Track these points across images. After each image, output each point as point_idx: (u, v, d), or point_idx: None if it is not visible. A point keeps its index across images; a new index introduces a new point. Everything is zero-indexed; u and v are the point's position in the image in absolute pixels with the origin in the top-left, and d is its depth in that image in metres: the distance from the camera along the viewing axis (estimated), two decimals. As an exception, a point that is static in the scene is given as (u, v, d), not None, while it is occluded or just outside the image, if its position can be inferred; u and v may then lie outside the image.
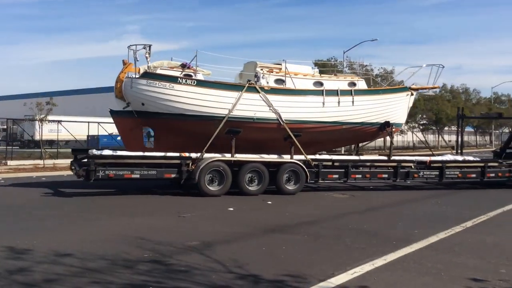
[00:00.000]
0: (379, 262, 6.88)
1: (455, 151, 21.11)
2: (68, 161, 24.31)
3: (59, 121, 28.81)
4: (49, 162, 23.35)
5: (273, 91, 14.92)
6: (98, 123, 31.42)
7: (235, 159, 13.89)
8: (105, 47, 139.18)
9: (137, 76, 13.81)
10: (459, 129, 22.42)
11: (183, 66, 14.55)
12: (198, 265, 6.42)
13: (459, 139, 21.84)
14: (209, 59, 14.05)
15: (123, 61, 14.36)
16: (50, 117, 25.02)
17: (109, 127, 33.81)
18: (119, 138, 35.58)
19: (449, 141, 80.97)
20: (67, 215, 10.51)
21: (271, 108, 14.69)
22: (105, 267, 6.30)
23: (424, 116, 58.26)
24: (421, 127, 62.10)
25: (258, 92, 14.58)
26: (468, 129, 78.40)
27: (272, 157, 14.60)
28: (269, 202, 12.72)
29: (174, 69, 14.56)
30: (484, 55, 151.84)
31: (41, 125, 24.87)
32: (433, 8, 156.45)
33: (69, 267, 6.23)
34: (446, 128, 69.04)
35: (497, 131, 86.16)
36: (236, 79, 16.19)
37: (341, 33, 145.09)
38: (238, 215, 10.77)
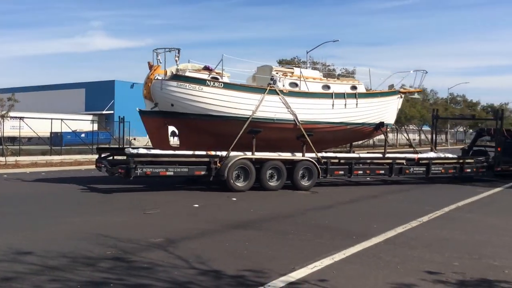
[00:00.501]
0: (339, 256, 7.08)
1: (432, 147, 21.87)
2: (31, 158, 24.09)
3: (21, 118, 28.11)
4: (11, 159, 22.79)
5: (290, 93, 15.88)
6: (62, 119, 30.80)
7: (258, 157, 14.75)
8: (69, 43, 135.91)
9: (166, 78, 14.31)
10: (433, 129, 23.98)
11: (207, 69, 15.20)
12: (161, 262, 6.47)
13: (434, 138, 23.23)
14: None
15: (148, 63, 14.75)
16: (11, 114, 24.38)
17: (72, 124, 33.28)
18: (83, 135, 35.29)
19: (408, 139, 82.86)
20: (32, 212, 10.34)
21: (289, 109, 15.68)
22: (65, 264, 6.27)
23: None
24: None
25: (278, 94, 15.52)
26: (425, 128, 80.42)
27: (289, 155, 15.54)
28: (234, 199, 12.82)
29: (201, 71, 15.14)
30: (441, 57, 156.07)
31: (3, 122, 24.22)
32: (393, 10, 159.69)
33: (29, 265, 6.17)
34: (404, 128, 70.56)
35: (453, 130, 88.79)
36: (249, 81, 16.83)
37: (304, 33, 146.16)
38: (203, 212, 10.82)
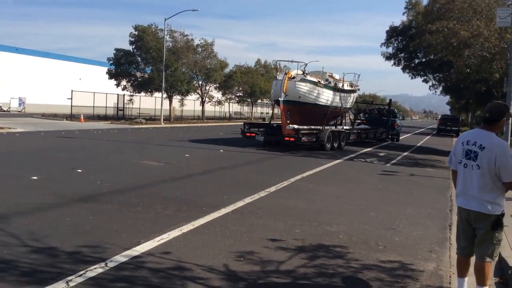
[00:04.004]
0: (187, 228, 7.02)
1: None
2: None
3: None
4: None
5: (340, 90, 25.05)
6: None
7: (335, 129, 23.58)
8: None
9: (297, 80, 20.95)
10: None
11: (304, 73, 21.70)
12: (-13, 241, 5.78)
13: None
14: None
15: (276, 68, 23.90)
16: None
17: None
18: None
19: (261, 113, 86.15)
20: None
21: (340, 100, 25.09)
22: None
23: (240, 88, 60.89)
24: (237, 99, 64.92)
25: (338, 91, 24.74)
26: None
27: (342, 128, 24.88)
28: (79, 170, 12.01)
29: (314, 76, 22.79)
30: (294, 35, 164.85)
31: None
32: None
33: None
34: (259, 101, 73.24)
35: None
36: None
37: (164, 0, 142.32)
38: (42, 184, 9.93)
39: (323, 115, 22.89)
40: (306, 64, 22.04)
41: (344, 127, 25.40)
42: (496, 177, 4.49)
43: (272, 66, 73.18)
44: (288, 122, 20.67)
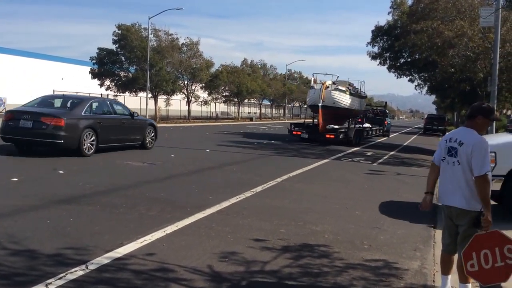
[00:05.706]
0: (171, 229, 6.92)
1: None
2: None
3: None
4: None
5: (358, 96, 29.97)
6: None
7: (357, 127, 28.11)
8: None
9: (332, 89, 25.69)
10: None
11: (334, 83, 26.59)
12: (-36, 244, 5.63)
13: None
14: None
15: (313, 79, 27.82)
16: None
17: None
18: None
19: (249, 113, 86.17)
20: None
21: (359, 104, 30.10)
22: None
23: (227, 88, 60.76)
24: (223, 99, 64.81)
25: (358, 97, 30.07)
26: (265, 102, 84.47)
27: (360, 126, 29.60)
28: (61, 172, 11.79)
29: (342, 85, 27.80)
30: (281, 34, 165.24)
31: None
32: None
33: None
34: (246, 101, 73.25)
35: (290, 105, 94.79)
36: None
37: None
38: (22, 186, 9.71)
39: (348, 116, 27.91)
40: (338, 76, 27.85)
41: (360, 126, 30.03)
42: None
43: (259, 66, 73.52)
44: (323, 122, 25.41)
